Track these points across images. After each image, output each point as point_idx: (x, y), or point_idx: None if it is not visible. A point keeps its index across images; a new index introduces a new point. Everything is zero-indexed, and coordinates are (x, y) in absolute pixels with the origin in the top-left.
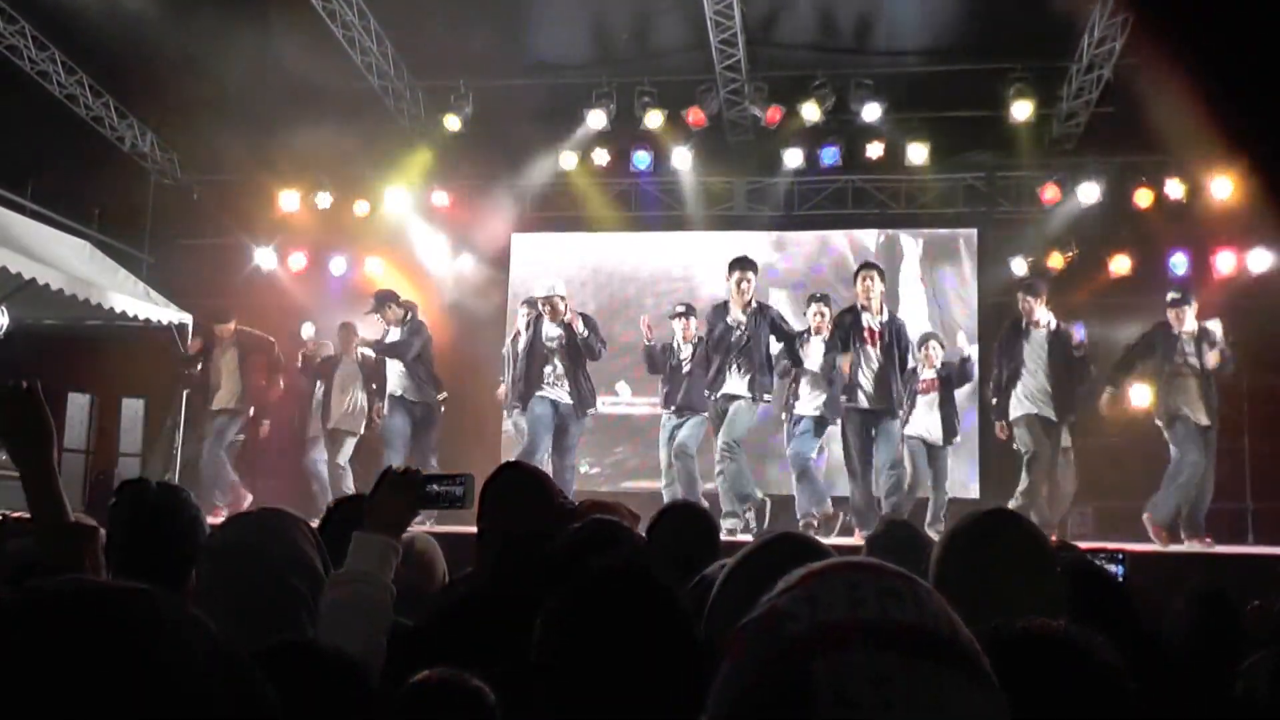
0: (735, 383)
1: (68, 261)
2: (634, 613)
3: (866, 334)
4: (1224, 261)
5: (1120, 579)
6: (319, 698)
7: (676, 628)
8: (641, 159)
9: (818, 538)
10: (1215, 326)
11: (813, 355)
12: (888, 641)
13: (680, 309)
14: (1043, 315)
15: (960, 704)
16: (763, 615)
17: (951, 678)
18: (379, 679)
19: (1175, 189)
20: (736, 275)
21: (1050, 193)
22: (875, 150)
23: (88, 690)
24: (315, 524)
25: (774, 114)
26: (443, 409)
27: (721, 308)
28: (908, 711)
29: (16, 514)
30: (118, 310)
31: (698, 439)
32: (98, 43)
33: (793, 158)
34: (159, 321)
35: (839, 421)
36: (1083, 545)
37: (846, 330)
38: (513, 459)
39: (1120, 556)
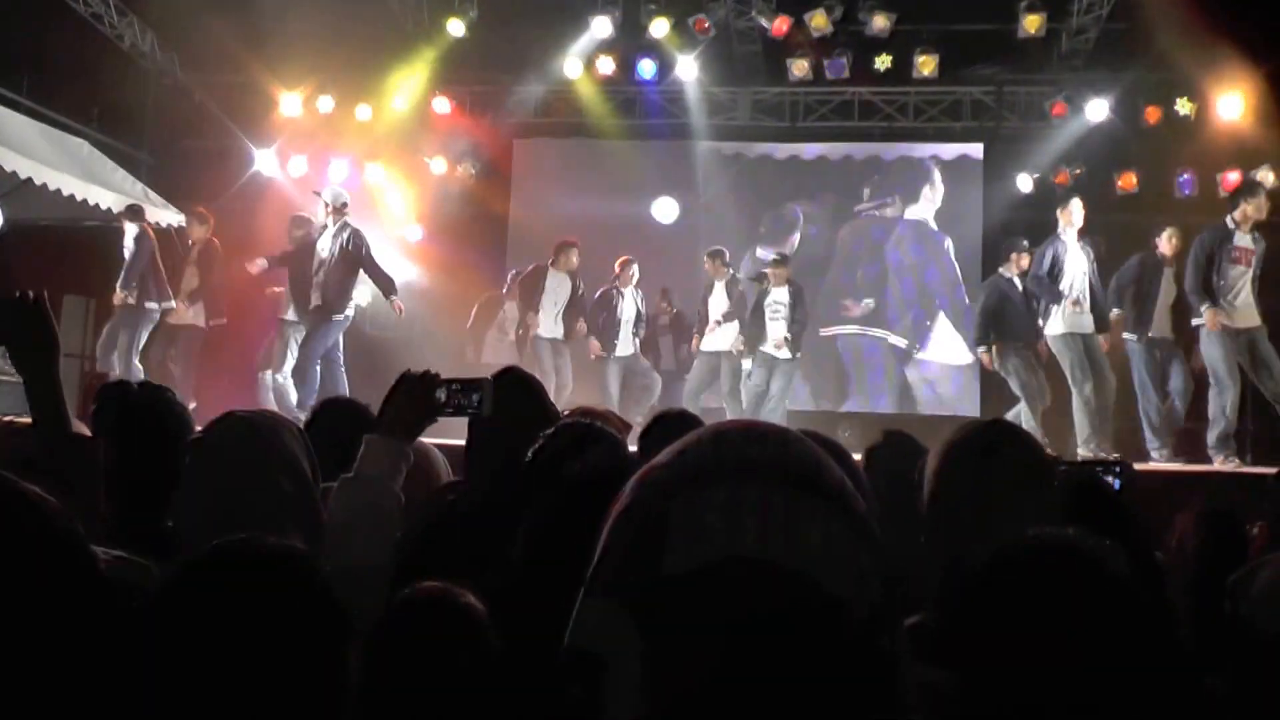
0: None
1: (66, 161)
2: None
3: None
4: (1230, 181)
5: (1117, 490)
6: (266, 600)
7: None
8: (646, 67)
9: None
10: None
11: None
12: (745, 476)
13: None
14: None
15: (817, 530)
16: (641, 472)
17: (808, 506)
18: (385, 588)
19: (1184, 107)
20: None
21: (1058, 109)
22: (883, 62)
23: None
24: None
25: (781, 24)
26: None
27: None
28: (759, 537)
29: (8, 417)
30: (116, 211)
31: None
32: None
33: (799, 69)
34: (158, 224)
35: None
36: (1079, 459)
37: None
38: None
39: (1118, 469)
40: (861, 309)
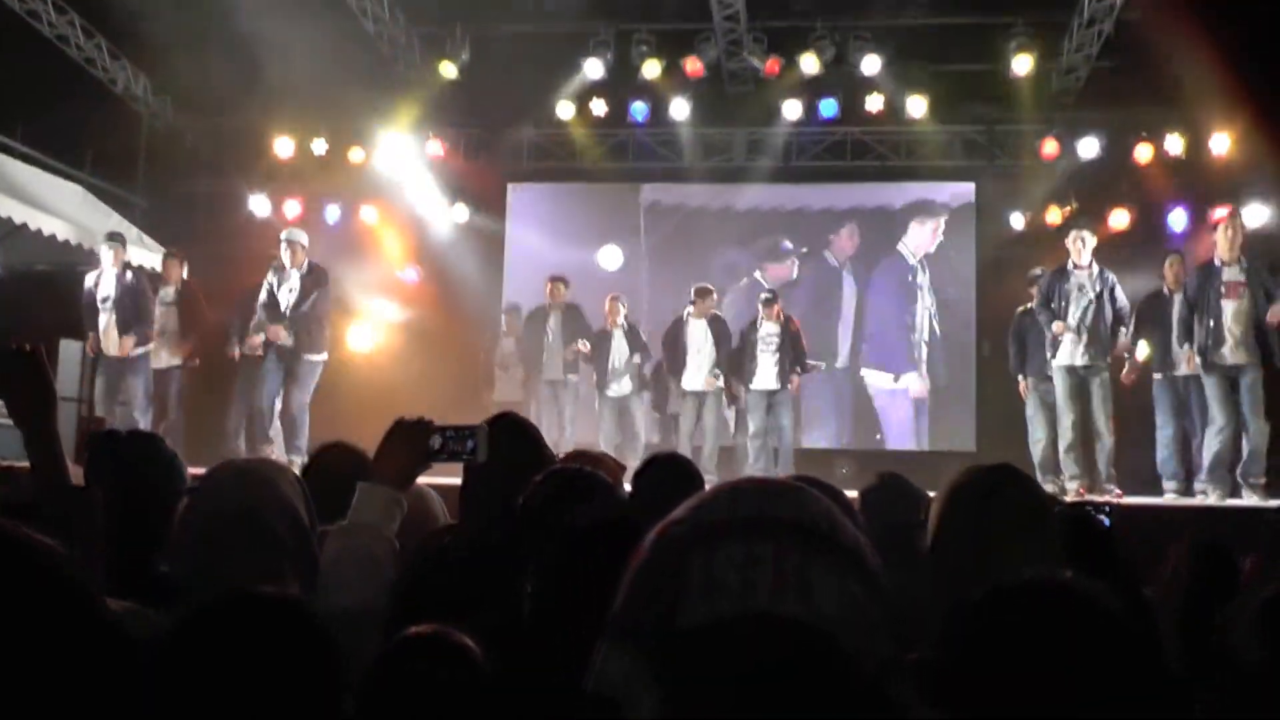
0: None
1: (59, 206)
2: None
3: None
4: (1219, 218)
5: (1107, 527)
6: (268, 650)
7: None
8: (639, 109)
9: None
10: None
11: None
12: (760, 533)
13: None
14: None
15: (831, 586)
16: (660, 526)
17: (823, 562)
18: (380, 633)
19: (1175, 144)
20: None
21: (1049, 147)
22: (874, 103)
23: None
24: None
25: (773, 65)
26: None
27: None
28: (770, 592)
29: (5, 462)
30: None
31: None
32: None
33: (791, 109)
34: (152, 268)
35: None
36: (1070, 499)
37: None
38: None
39: (1107, 509)
40: (812, 369)
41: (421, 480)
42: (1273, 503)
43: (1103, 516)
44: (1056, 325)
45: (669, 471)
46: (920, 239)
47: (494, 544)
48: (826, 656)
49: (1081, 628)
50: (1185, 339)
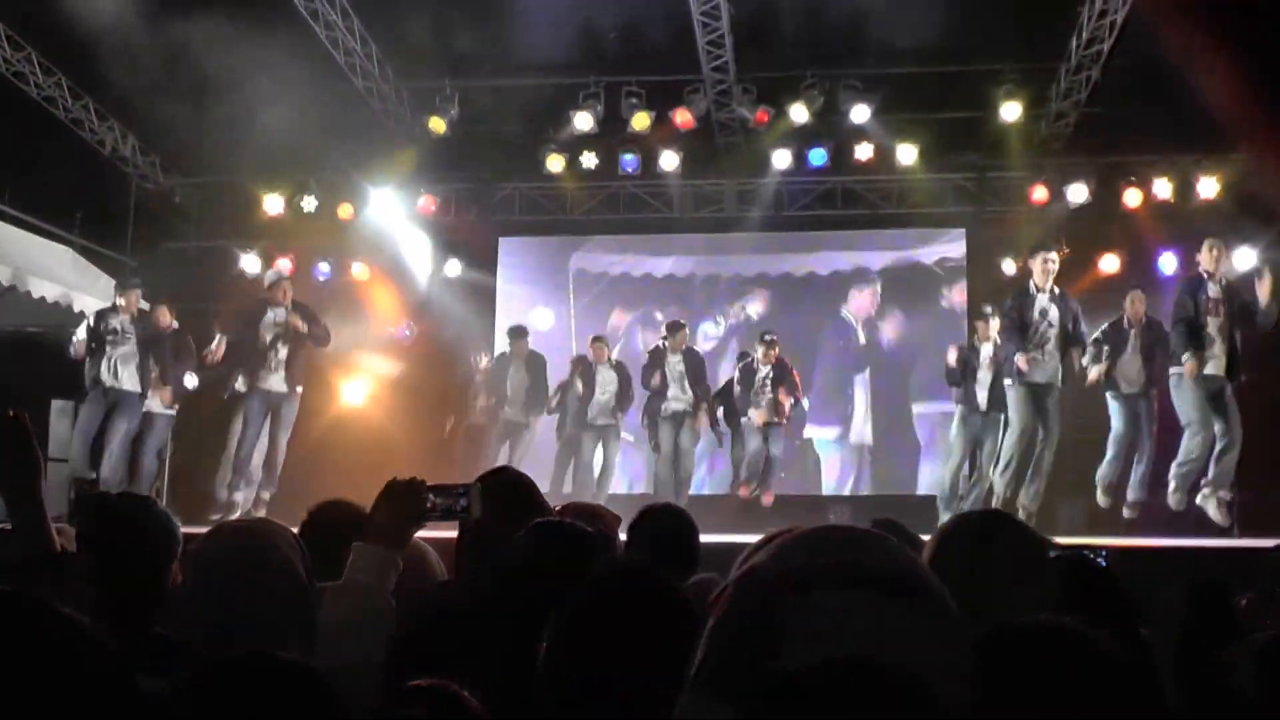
0: None
1: (49, 268)
2: (647, 614)
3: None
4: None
5: (1103, 568)
6: (275, 711)
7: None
8: (629, 161)
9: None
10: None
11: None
12: (850, 582)
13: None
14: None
15: (918, 634)
16: (742, 573)
17: (910, 612)
18: (378, 692)
19: (1163, 188)
20: None
21: (1039, 193)
22: (864, 151)
23: None
24: None
25: (762, 115)
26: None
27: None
28: (868, 640)
29: None
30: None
31: None
32: (76, 44)
33: (781, 159)
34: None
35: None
36: (1065, 541)
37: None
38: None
39: (1103, 552)
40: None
41: (421, 535)
42: (1270, 541)
43: (1099, 559)
44: (1020, 359)
45: (664, 523)
46: (861, 303)
47: (488, 599)
48: (919, 700)
49: (1081, 671)
50: (1189, 346)
